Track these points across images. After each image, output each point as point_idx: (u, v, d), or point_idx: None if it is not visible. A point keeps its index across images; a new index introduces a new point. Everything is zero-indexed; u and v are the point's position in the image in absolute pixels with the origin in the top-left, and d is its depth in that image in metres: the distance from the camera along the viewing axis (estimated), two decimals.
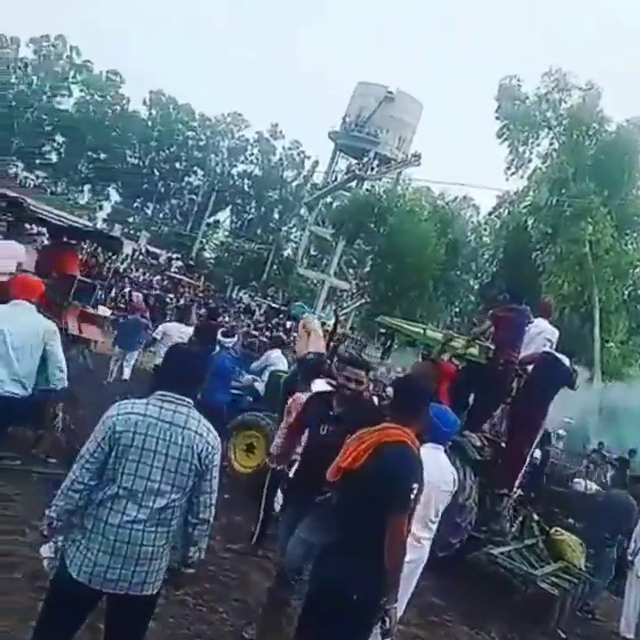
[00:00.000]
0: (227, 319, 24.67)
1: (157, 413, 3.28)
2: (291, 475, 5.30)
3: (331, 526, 3.80)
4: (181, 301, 29.25)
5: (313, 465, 4.50)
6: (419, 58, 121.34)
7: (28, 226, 10.31)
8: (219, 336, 9.34)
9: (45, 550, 3.46)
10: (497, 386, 8.86)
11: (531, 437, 8.85)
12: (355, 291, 46.28)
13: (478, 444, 8.73)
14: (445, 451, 7.97)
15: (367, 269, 40.55)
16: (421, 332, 9.88)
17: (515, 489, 8.88)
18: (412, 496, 3.43)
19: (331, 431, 4.59)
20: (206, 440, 3.34)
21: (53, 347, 5.67)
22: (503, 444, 9.11)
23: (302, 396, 6.92)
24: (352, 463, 3.47)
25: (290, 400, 6.88)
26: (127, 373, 14.42)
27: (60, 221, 10.00)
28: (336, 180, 56.66)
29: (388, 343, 10.23)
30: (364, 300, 40.51)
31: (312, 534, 4.57)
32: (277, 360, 11.30)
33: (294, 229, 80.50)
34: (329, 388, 6.08)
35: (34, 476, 7.18)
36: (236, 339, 10.41)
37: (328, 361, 9.73)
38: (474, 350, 9.24)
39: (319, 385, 6.77)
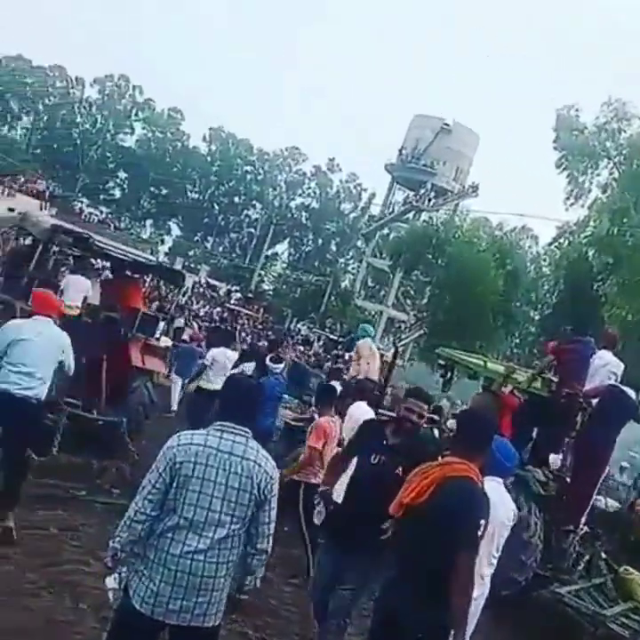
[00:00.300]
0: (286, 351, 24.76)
1: (217, 444, 3.31)
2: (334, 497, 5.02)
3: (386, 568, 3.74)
4: (242, 334, 29.53)
5: (361, 495, 4.44)
6: (475, 87, 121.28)
7: (92, 260, 10.58)
8: (268, 362, 9.45)
9: (110, 582, 3.50)
10: (561, 419, 8.67)
11: (597, 472, 8.61)
12: (413, 322, 46.00)
13: (542, 478, 8.53)
14: (507, 485, 7.85)
15: (425, 300, 40.31)
16: (482, 364, 9.75)
17: (581, 526, 8.62)
18: (480, 533, 3.37)
19: (383, 461, 4.50)
20: (265, 470, 3.36)
21: (68, 357, 6.22)
22: (568, 479, 8.89)
23: (324, 420, 6.93)
24: (416, 498, 3.42)
25: (312, 424, 6.91)
26: (175, 399, 14.52)
27: (124, 256, 10.24)
28: (393, 211, 56.75)
29: (449, 375, 10.12)
30: (422, 332, 40.21)
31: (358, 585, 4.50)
32: None
33: (352, 261, 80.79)
34: (373, 415, 6.06)
35: (98, 506, 7.29)
36: (283, 365, 10.43)
37: (379, 390, 9.73)
38: (537, 383, 9.07)
39: (362, 410, 6.76)
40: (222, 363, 10.09)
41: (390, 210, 57.45)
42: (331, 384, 8.82)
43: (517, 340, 38.06)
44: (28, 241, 9.96)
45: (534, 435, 8.94)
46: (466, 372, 10.50)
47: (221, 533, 3.25)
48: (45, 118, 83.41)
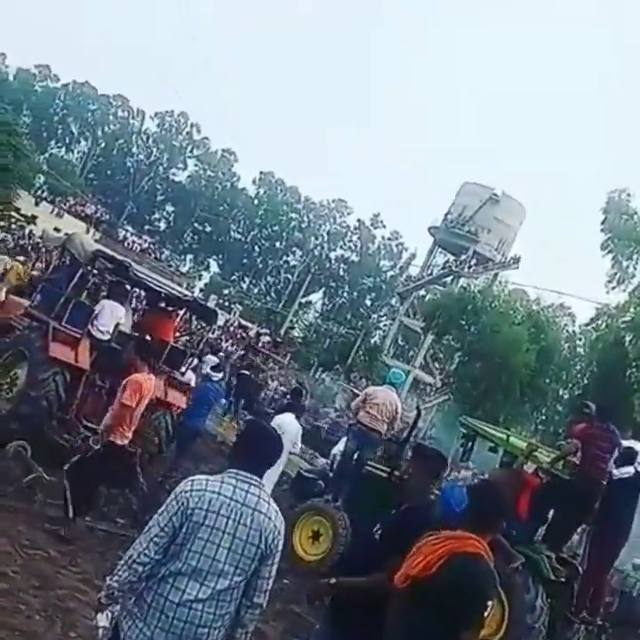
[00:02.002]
0: (308, 400, 24.68)
1: (231, 493, 3.23)
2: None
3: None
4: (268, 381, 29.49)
5: (360, 566, 4.07)
6: (527, 160, 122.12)
7: (128, 288, 10.70)
8: (207, 369, 10.80)
9: (102, 619, 3.39)
10: (579, 503, 8.46)
11: (612, 560, 8.40)
12: (439, 386, 45.64)
13: (554, 563, 8.29)
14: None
15: (454, 366, 40.00)
16: (505, 438, 9.59)
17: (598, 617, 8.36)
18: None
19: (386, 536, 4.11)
20: (274, 524, 3.28)
21: None
22: (580, 567, 8.63)
23: (140, 376, 7.07)
24: (422, 571, 3.31)
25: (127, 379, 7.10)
26: None
27: (161, 288, 10.34)
28: (432, 273, 56.78)
29: (470, 445, 9.96)
30: (447, 397, 39.85)
31: None
32: None
33: (384, 318, 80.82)
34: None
35: (101, 533, 7.24)
36: (221, 374, 12.14)
37: (398, 451, 9.62)
38: (558, 464, 8.88)
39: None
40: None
41: (429, 272, 57.49)
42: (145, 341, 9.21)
43: (543, 417, 37.49)
44: (69, 262, 10.09)
45: (550, 516, 8.73)
46: (487, 445, 10.34)
47: (223, 584, 3.16)
48: (103, 145, 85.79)
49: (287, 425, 8.60)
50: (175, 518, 3.17)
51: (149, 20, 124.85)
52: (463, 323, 35.66)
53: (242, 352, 28.97)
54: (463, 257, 54.59)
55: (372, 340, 63.21)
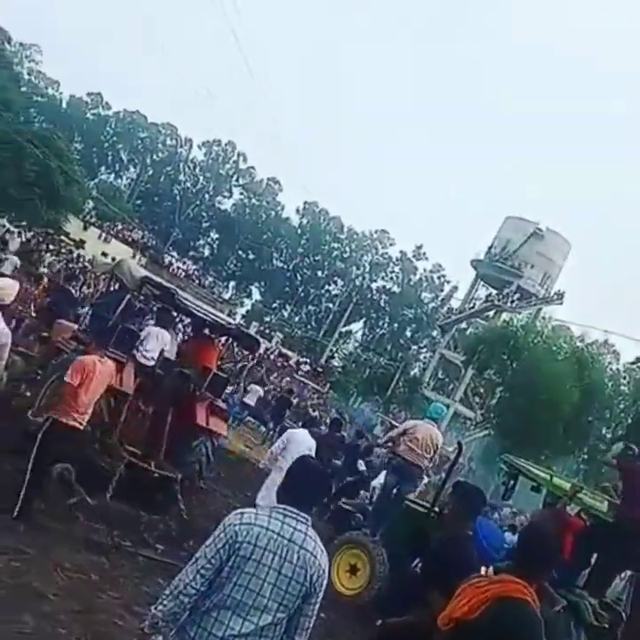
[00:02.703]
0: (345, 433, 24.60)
1: (279, 528, 3.21)
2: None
3: None
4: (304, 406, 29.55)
5: (400, 602, 4.11)
6: (573, 196, 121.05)
7: (174, 314, 10.83)
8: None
9: None
10: (623, 547, 8.24)
11: None
12: (479, 420, 45.09)
13: (597, 608, 8.07)
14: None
15: (495, 401, 39.53)
16: (548, 478, 9.41)
17: None
18: None
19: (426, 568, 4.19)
20: (320, 562, 3.26)
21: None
22: (623, 613, 8.39)
23: (88, 358, 7.22)
24: (467, 614, 3.26)
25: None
26: None
27: (206, 315, 10.44)
28: (474, 307, 56.45)
29: (512, 484, 9.78)
30: (487, 432, 39.34)
31: None
32: None
33: (425, 350, 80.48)
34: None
35: (141, 559, 7.25)
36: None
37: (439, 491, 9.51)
38: (602, 506, 8.68)
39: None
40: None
41: (471, 305, 57.17)
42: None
43: (585, 456, 36.76)
44: (117, 287, 10.28)
45: (593, 560, 8.51)
46: (529, 484, 10.16)
47: (266, 620, 3.15)
48: (151, 172, 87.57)
49: (299, 437, 9.24)
50: (223, 551, 3.16)
51: (200, 50, 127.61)
52: (505, 357, 35.29)
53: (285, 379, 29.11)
54: (506, 291, 54.20)
55: (412, 372, 62.86)
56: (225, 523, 3.24)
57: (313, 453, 9.42)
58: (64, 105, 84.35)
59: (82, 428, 7.22)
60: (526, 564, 3.39)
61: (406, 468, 9.50)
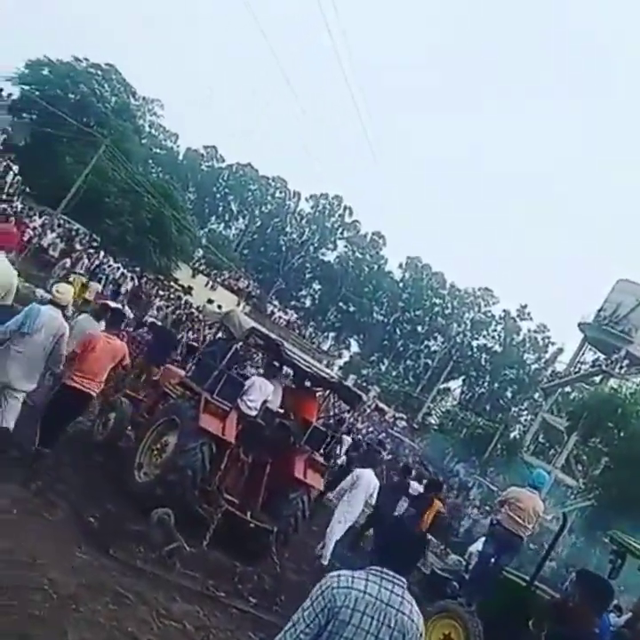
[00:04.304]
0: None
1: (376, 592, 3.17)
2: None
3: None
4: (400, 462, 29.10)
5: None
6: None
7: (279, 366, 10.92)
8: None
9: None
10: None
11: None
12: (581, 489, 43.17)
13: None
14: None
15: (598, 471, 37.86)
16: None
17: None
18: None
19: None
20: (417, 626, 3.22)
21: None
22: None
23: (97, 334, 8.47)
24: None
25: None
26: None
27: (309, 368, 10.48)
28: (579, 371, 54.59)
29: (619, 562, 9.25)
30: (590, 503, 37.58)
31: None
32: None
33: (525, 412, 78.18)
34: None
35: (234, 611, 7.22)
36: None
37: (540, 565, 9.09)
38: None
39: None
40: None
41: (576, 369, 55.32)
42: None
43: None
44: (225, 337, 10.48)
45: None
46: (637, 563, 9.60)
47: None
48: (259, 223, 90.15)
49: (367, 476, 10.98)
50: (322, 615, 3.13)
51: (312, 108, 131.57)
52: (611, 426, 33.89)
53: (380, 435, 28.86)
54: (615, 356, 52.20)
55: (512, 435, 61.12)
56: (322, 585, 3.21)
57: (375, 493, 11.10)
58: (180, 156, 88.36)
59: (86, 391, 8.04)
60: None
61: (507, 538, 9.15)
